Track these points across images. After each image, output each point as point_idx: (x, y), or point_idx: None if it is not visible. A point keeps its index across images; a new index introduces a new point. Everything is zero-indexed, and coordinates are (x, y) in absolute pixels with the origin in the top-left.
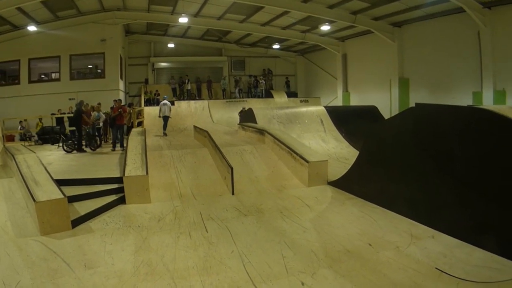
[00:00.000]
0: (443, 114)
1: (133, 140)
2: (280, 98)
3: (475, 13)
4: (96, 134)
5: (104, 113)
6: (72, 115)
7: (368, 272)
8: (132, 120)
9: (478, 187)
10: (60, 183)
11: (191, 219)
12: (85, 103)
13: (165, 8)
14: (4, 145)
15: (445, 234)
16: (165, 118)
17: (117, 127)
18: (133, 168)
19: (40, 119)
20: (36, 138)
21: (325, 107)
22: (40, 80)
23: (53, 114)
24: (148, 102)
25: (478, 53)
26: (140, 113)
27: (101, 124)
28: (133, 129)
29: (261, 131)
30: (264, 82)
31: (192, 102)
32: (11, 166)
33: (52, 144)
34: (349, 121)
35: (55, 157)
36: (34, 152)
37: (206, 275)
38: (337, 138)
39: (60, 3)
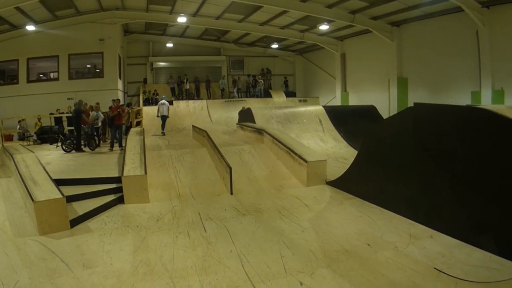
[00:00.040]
0: (442, 113)
1: (132, 140)
2: (279, 98)
3: (474, 12)
4: (95, 133)
5: (103, 112)
6: (70, 114)
7: (367, 272)
8: (130, 120)
9: (476, 187)
10: (59, 182)
11: (190, 219)
12: (83, 103)
13: (163, 7)
14: (2, 145)
15: (444, 234)
16: (163, 118)
17: (115, 126)
18: (132, 168)
19: (39, 119)
20: (34, 137)
21: (323, 106)
22: (39, 80)
23: (51, 113)
24: (147, 102)
25: (476, 53)
26: (138, 113)
27: (99, 124)
28: (132, 129)
29: (260, 131)
30: (262, 82)
31: (190, 101)
32: (10, 166)
33: (51, 143)
34: (348, 120)
35: (53, 156)
36: (33, 152)
37: (205, 275)
38: (336, 138)
39: (58, 3)
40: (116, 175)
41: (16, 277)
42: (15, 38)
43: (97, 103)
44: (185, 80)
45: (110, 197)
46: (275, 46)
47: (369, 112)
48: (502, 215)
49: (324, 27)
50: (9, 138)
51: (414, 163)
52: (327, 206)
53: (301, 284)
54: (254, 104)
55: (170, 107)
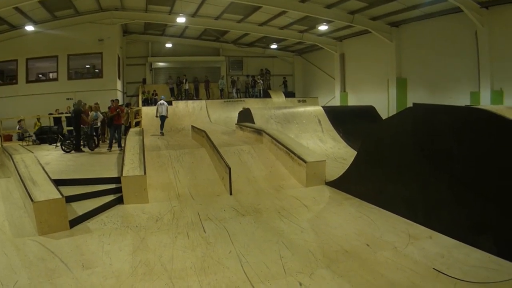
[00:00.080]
0: (441, 114)
1: (131, 140)
2: (278, 98)
3: (473, 13)
4: (94, 134)
5: (102, 113)
6: (69, 115)
7: (366, 272)
8: (129, 120)
9: (475, 187)
10: (58, 183)
11: (189, 219)
12: (83, 103)
13: (162, 8)
14: (2, 145)
15: (443, 235)
16: (162, 118)
17: (114, 127)
18: (131, 168)
19: (38, 119)
20: (34, 138)
21: (322, 107)
22: (38, 80)
23: (51, 114)
24: (146, 102)
25: (475, 53)
26: (137, 113)
27: (99, 124)
28: (131, 129)
29: (259, 131)
30: (261, 82)
31: (190, 102)
32: (9, 166)
33: (50, 144)
34: (347, 121)
35: (53, 157)
36: (32, 152)
37: (204, 275)
38: (335, 138)
39: (57, 3)
40: (116, 175)
41: (15, 277)
42: (14, 38)
43: (97, 103)
44: (184, 81)
45: (110, 198)
46: (274, 46)
47: (368, 112)
48: (501, 215)
49: (323, 27)
50: (8, 138)
51: (413, 164)
52: (326, 206)
53: (300, 284)
54: (253, 105)
55: (169, 107)
